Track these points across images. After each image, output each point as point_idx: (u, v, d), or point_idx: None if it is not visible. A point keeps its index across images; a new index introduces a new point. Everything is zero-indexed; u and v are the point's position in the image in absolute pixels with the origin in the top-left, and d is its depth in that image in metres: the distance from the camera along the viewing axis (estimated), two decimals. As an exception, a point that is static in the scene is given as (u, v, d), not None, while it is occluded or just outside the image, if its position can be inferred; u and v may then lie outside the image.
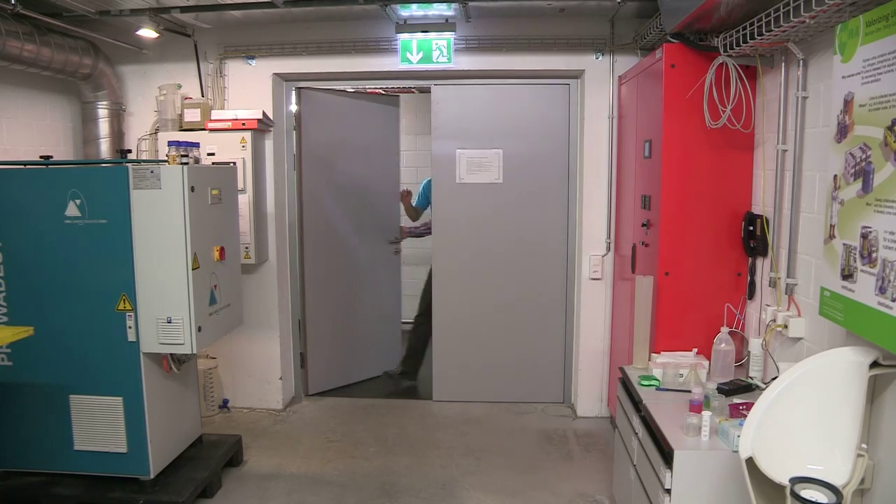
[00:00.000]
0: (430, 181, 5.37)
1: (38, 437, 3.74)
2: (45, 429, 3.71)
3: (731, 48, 3.28)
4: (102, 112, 5.01)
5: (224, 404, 5.35)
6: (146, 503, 3.65)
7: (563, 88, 5.22)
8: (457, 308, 5.50)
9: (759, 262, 3.56)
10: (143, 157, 5.08)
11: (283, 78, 5.25)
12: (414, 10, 4.44)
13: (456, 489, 4.12)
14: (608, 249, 5.03)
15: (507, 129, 5.29)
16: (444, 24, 4.65)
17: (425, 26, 4.65)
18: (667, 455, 2.70)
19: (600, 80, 4.90)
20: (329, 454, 4.60)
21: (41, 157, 3.96)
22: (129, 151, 4.42)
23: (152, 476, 3.72)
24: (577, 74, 5.06)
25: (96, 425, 3.69)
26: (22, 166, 3.78)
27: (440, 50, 4.74)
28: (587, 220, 5.07)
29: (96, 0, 4.20)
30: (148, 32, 4.69)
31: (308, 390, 5.66)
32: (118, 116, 5.10)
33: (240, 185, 4.54)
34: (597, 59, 4.88)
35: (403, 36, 4.73)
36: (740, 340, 3.59)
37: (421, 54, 4.75)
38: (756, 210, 3.55)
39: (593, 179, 5.01)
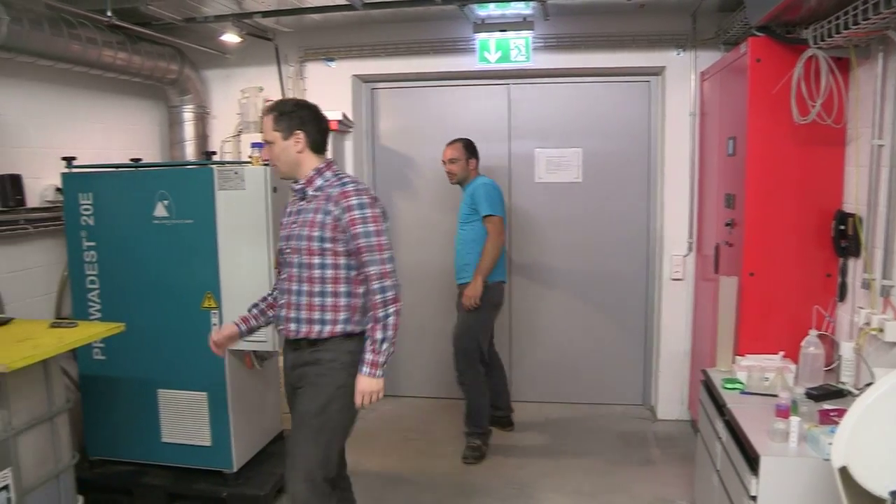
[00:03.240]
0: (492, 183, 4.59)
1: (129, 428, 3.89)
2: (136, 421, 3.85)
3: (822, 40, 3.15)
4: (188, 115, 5.18)
5: (304, 400, 5.43)
6: (229, 496, 3.75)
7: (642, 85, 5.13)
8: (534, 308, 5.47)
9: (850, 262, 3.41)
10: (227, 159, 5.21)
11: (361, 79, 5.31)
12: (492, 10, 4.43)
13: (533, 490, 4.09)
14: (690, 249, 4.92)
15: (586, 128, 5.23)
16: (522, 23, 4.62)
17: (503, 25, 4.63)
18: (752, 461, 2.61)
19: (681, 76, 4.79)
20: (406, 452, 4.63)
21: (131, 160, 4.12)
22: (214, 153, 4.55)
23: (235, 469, 3.81)
24: (657, 71, 4.96)
25: (182, 419, 3.81)
26: (114, 169, 3.94)
27: (518, 49, 4.71)
28: (668, 219, 4.97)
29: (183, 8, 4.34)
30: (231, 37, 4.82)
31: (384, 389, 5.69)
32: (202, 119, 5.26)
33: (320, 185, 4.59)
34: (678, 54, 4.77)
35: (481, 35, 4.72)
36: (830, 344, 3.45)
37: (499, 53, 4.73)
38: (848, 208, 3.41)
39: (674, 178, 4.90)
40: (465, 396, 4.64)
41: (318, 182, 2.73)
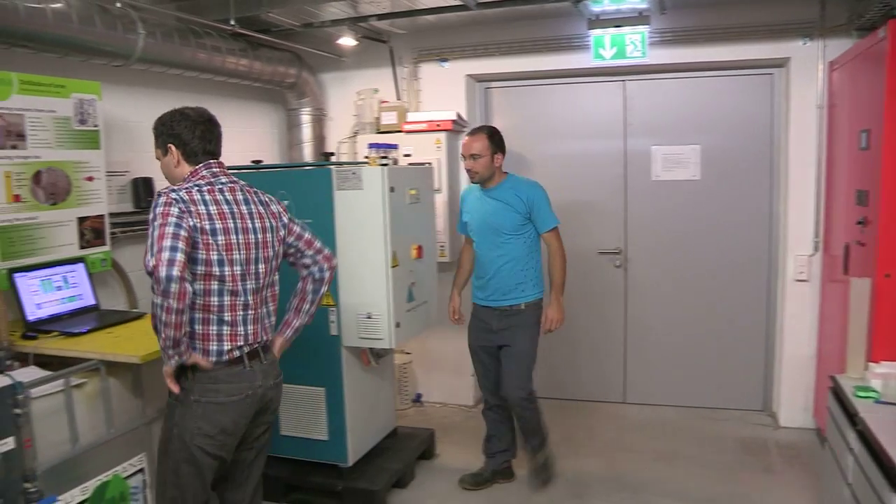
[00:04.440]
0: (543, 188, 4.05)
1: (252, 421, 4.03)
2: (258, 413, 3.99)
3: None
4: (305, 118, 5.35)
5: (417, 398, 5.53)
6: (344, 490, 3.84)
7: (764, 78, 4.92)
8: (650, 309, 5.36)
9: None
10: (343, 160, 5.34)
11: (475, 79, 5.33)
12: (606, 6, 4.35)
13: (647, 494, 4.01)
14: (816, 249, 4.69)
15: (704, 124, 5.07)
16: (637, 18, 4.51)
17: (618, 21, 4.54)
18: (892, 477, 2.46)
19: (808, 66, 4.56)
20: (518, 452, 4.60)
21: (252, 161, 4.27)
22: (332, 154, 4.68)
23: (350, 464, 3.89)
24: (781, 62, 4.75)
25: (300, 413, 3.93)
26: (236, 171, 4.09)
27: (634, 44, 4.60)
28: (792, 217, 4.75)
29: (301, 14, 4.50)
30: (347, 41, 4.94)
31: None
32: (320, 121, 5.42)
33: (435, 185, 4.63)
34: (804, 44, 4.55)
35: (596, 32, 4.64)
36: (977, 352, 3.22)
37: (614, 50, 4.64)
38: None
39: (799, 174, 4.68)
40: (526, 420, 4.02)
41: None
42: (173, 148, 2.60)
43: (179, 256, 2.30)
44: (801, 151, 4.67)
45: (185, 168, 2.61)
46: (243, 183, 2.71)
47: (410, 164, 4.57)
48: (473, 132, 3.95)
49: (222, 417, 2.54)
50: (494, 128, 4.01)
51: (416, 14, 4.57)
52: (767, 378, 5.15)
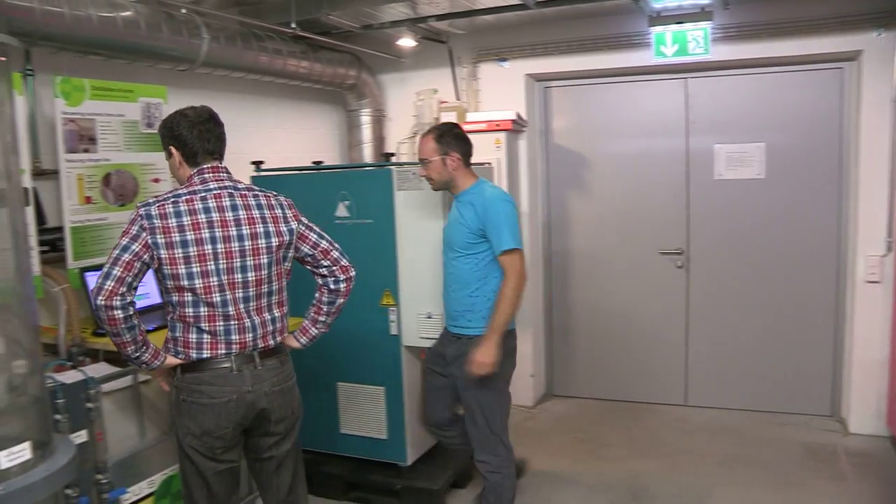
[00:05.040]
0: (507, 197, 3.34)
1: (311, 418, 4.07)
2: (317, 411, 4.03)
3: None
4: (365, 119, 5.41)
5: (476, 398, 5.52)
6: (403, 489, 3.85)
7: (833, 73, 4.77)
8: (713, 310, 5.25)
9: None
10: (403, 160, 5.37)
11: (534, 78, 5.31)
12: (667, 2, 4.27)
13: (709, 499, 3.93)
14: (889, 249, 4.52)
15: (769, 121, 4.94)
16: (700, 14, 4.41)
17: (680, 17, 4.46)
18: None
19: (882, 59, 4.40)
20: (577, 454, 4.58)
21: (313, 162, 4.33)
22: (392, 154, 4.71)
23: (409, 463, 3.91)
24: (852, 56, 4.60)
25: (360, 412, 3.96)
26: (298, 171, 4.16)
27: (696, 41, 4.51)
28: (863, 217, 4.59)
29: (360, 16, 4.54)
30: (406, 41, 4.97)
31: (554, 390, 5.72)
32: (379, 122, 5.47)
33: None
34: (878, 35, 4.39)
35: (657, 29, 4.56)
36: None
37: (676, 46, 4.55)
38: None
39: (871, 171, 4.52)
40: (491, 487, 3.42)
41: None
42: (174, 150, 2.59)
43: (108, 284, 2.31)
44: (872, 148, 4.51)
45: (187, 170, 2.59)
46: (243, 186, 2.63)
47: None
48: (423, 134, 3.40)
49: (205, 419, 2.50)
50: (448, 125, 3.47)
51: (476, 14, 4.56)
52: (836, 383, 4.99)
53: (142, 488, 3.04)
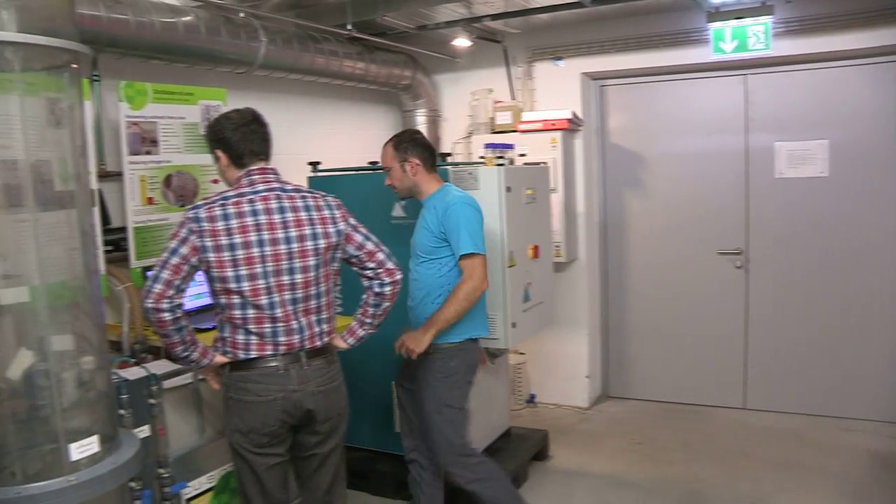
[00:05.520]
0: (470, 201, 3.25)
1: (367, 418, 4.12)
2: (372, 411, 4.08)
3: None
4: (420, 119, 5.43)
5: (531, 399, 5.51)
6: (457, 489, 3.85)
7: (898, 66, 4.63)
8: (773, 311, 5.13)
9: None
10: (458, 160, 5.38)
11: (590, 77, 5.26)
12: (726, -3, 4.21)
13: (770, 507, 3.85)
14: (959, 250, 4.38)
15: (832, 117, 4.81)
16: (760, 8, 4.32)
17: (739, 12, 4.36)
18: None
19: (954, 51, 4.27)
20: (633, 456, 4.53)
21: (369, 163, 4.36)
22: (449, 155, 4.73)
23: (461, 463, 3.90)
24: (919, 48, 4.45)
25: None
26: (354, 172, 4.20)
27: (756, 36, 4.40)
28: (932, 216, 4.45)
29: (415, 17, 4.57)
30: (461, 41, 4.98)
31: (610, 391, 5.67)
32: (434, 122, 5.49)
33: (551, 185, 4.57)
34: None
35: (715, 25, 4.47)
36: None
37: (735, 42, 4.45)
38: None
39: (942, 169, 4.38)
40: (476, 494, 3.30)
41: None
42: (220, 152, 2.61)
43: (157, 287, 2.36)
44: (943, 145, 4.37)
45: (234, 172, 2.60)
46: (291, 187, 2.62)
47: (526, 163, 4.55)
48: (384, 143, 3.33)
49: (250, 416, 2.53)
50: (408, 131, 3.47)
51: (530, 13, 4.55)
52: (904, 387, 4.84)
53: (201, 483, 3.11)
